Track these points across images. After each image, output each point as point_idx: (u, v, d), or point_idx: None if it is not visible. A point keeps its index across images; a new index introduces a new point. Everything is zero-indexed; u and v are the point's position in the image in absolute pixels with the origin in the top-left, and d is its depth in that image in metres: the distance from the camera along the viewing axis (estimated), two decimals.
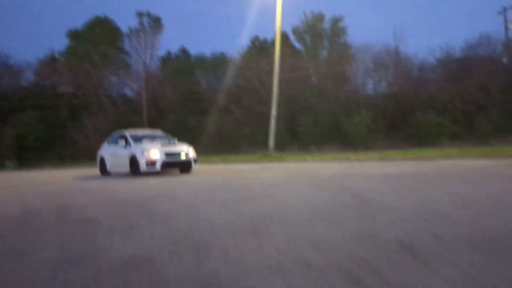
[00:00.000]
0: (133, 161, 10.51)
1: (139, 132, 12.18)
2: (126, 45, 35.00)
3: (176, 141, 11.49)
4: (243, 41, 42.40)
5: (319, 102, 23.87)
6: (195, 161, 10.88)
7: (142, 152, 10.37)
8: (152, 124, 27.48)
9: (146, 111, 26.95)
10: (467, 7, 55.67)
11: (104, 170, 12.03)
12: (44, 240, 3.12)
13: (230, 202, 4.65)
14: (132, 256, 2.48)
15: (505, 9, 24.98)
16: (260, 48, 35.31)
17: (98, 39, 32.14)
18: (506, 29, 24.35)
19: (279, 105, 23.46)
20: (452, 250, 2.28)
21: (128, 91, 32.30)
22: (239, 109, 25.90)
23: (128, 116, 26.98)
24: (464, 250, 2.27)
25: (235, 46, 57.61)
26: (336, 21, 34.78)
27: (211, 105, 26.18)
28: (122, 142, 11.13)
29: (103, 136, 25.87)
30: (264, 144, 20.15)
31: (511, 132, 17.26)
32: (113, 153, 11.64)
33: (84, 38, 32.73)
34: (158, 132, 12.69)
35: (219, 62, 30.06)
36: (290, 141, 22.16)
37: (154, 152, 10.32)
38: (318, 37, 34.24)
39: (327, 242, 2.61)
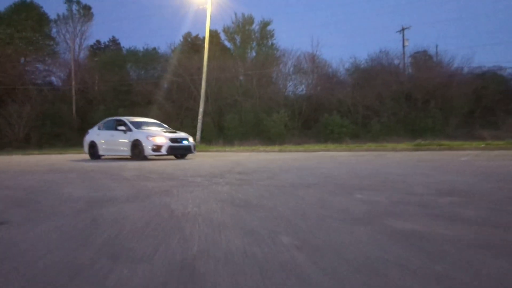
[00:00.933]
0: (136, 146, 11.06)
1: (136, 119, 12.65)
2: (54, 32, 34.47)
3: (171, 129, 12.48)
4: (176, 37, 43.57)
5: (244, 100, 26.34)
6: (194, 147, 11.73)
7: (147, 137, 10.90)
8: (82, 115, 27.92)
9: (75, 101, 27.29)
10: (375, 24, 62.93)
11: (94, 154, 12.52)
12: None
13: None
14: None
15: (403, 28, 29.54)
16: (191, 45, 36.95)
17: (23, 24, 31.39)
18: (403, 45, 28.89)
19: (208, 101, 25.51)
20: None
21: (55, 80, 32.03)
22: (169, 103, 27.45)
23: (56, 106, 27.11)
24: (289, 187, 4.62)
25: (168, 41, 58.25)
26: (264, 24, 37.53)
27: (141, 98, 27.37)
28: (122, 128, 11.65)
29: (29, 124, 25.91)
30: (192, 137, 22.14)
31: (397, 133, 21.23)
32: (108, 138, 12.08)
33: (8, 22, 31.71)
34: (152, 120, 13.40)
35: (151, 56, 31.14)
36: (217, 135, 24.34)
37: (160, 138, 10.93)
38: (247, 38, 36.76)
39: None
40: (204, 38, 36.01)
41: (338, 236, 1.86)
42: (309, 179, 4.47)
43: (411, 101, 23.29)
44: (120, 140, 11.57)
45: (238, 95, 26.73)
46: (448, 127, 22.16)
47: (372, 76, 24.73)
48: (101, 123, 13.07)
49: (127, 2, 67.31)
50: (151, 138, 10.85)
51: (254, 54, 36.14)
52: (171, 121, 26.75)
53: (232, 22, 37.20)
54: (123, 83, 28.80)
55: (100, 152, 12.37)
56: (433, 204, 2.65)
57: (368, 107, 23.06)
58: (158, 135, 10.99)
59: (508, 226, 1.99)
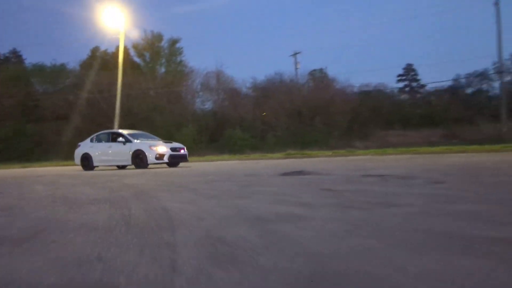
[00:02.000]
0: (138, 155, 12.07)
1: (131, 131, 13.67)
2: None
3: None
4: (84, 52, 43.55)
5: (155, 115, 28.29)
6: (187, 156, 13.14)
7: (150, 147, 12.00)
8: None
9: None
10: (270, 47, 70.38)
11: (87, 165, 13.22)
12: None
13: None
14: None
15: (295, 53, 34.20)
16: (100, 59, 37.55)
17: None
18: (296, 68, 33.50)
19: (119, 116, 26.91)
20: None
21: None
22: (79, 118, 28.18)
23: None
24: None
25: (76, 56, 57.28)
26: (173, 42, 39.65)
27: (50, 113, 27.68)
28: (121, 140, 12.61)
29: None
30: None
31: (289, 145, 25.12)
32: (105, 150, 12.96)
33: None
34: (143, 132, 14.57)
35: (59, 72, 31.35)
36: None
37: (162, 147, 12.10)
38: (156, 55, 38.58)
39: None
40: (113, 53, 37.09)
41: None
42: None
43: (301, 117, 27.56)
44: (120, 151, 12.49)
45: (149, 111, 28.58)
46: (331, 139, 26.77)
47: (269, 95, 28.59)
48: (93, 136, 13.93)
49: (30, 14, 64.07)
50: (154, 148, 11.96)
51: (163, 70, 38.08)
52: (83, 137, 27.54)
53: (142, 39, 38.72)
54: (29, 98, 28.71)
55: (95, 163, 13.14)
56: (237, 178, 5.54)
57: (265, 123, 26.75)
58: (160, 145, 12.15)
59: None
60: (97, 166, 13.43)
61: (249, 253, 1.52)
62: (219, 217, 2.36)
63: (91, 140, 13.77)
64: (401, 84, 46.93)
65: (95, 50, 38.85)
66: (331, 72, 46.75)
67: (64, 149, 26.46)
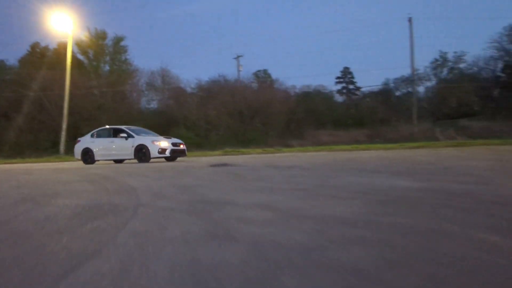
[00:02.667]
0: (141, 150, 12.75)
1: (132, 127, 14.41)
2: None
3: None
4: (23, 47, 42.31)
5: (99, 114, 28.93)
6: (186, 151, 13.98)
7: (153, 142, 12.73)
8: None
9: None
10: (216, 49, 72.55)
11: (87, 160, 13.87)
12: None
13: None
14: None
15: (238, 56, 36.23)
16: (40, 55, 37.01)
17: None
18: (238, 70, 35.56)
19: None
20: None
21: None
22: (20, 116, 28.07)
23: None
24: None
25: (17, 53, 54.96)
26: (117, 40, 40.00)
27: None
28: (123, 135, 13.29)
29: None
30: (48, 150, 24.03)
31: (231, 143, 27.08)
32: (106, 145, 13.61)
33: None
34: (143, 128, 15.40)
35: None
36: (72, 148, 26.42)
37: (164, 142, 12.88)
38: (101, 52, 38.75)
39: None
40: (54, 49, 36.77)
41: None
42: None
43: (242, 117, 29.65)
44: (122, 146, 13.18)
45: (93, 109, 29.14)
46: (269, 138, 29.12)
47: (213, 95, 30.37)
48: (94, 132, 14.51)
49: None
50: (156, 143, 12.71)
51: (107, 68, 38.36)
52: (25, 135, 27.54)
53: (85, 36, 38.68)
54: None
55: (96, 158, 13.81)
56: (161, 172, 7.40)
57: (209, 122, 28.52)
58: (162, 140, 12.97)
59: None
60: (98, 161, 14.07)
61: (174, 196, 3.46)
62: (161, 186, 4.26)
63: (92, 136, 14.37)
64: (339, 86, 50.95)
65: (35, 46, 38.24)
66: (275, 74, 49.56)
67: (5, 148, 26.35)
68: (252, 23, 75.77)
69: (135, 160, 13.16)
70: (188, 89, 32.17)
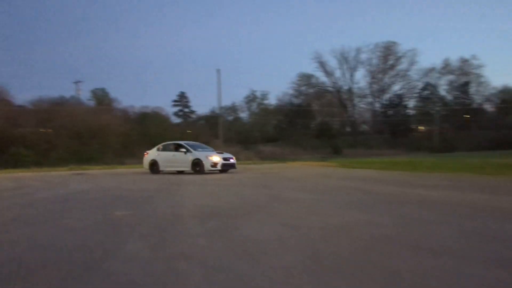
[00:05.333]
0: (197, 163, 14.58)
1: (190, 143, 16.47)
2: None
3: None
4: None
5: None
6: (235, 164, 15.77)
7: (207, 157, 14.58)
8: None
9: None
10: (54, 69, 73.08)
11: (154, 170, 15.82)
12: None
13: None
14: None
15: (77, 81, 40.08)
16: None
17: None
18: (78, 94, 39.39)
19: None
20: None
21: None
22: None
23: None
24: None
25: None
26: None
27: None
28: (182, 150, 15.25)
29: None
30: None
31: (71, 161, 31.04)
32: (170, 158, 15.53)
33: None
34: (199, 143, 17.55)
35: None
36: None
37: (216, 157, 14.74)
38: None
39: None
40: None
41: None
42: None
43: (81, 138, 33.82)
44: (182, 159, 15.15)
45: None
46: (106, 157, 33.96)
47: (52, 117, 33.67)
48: (160, 146, 16.72)
49: None
50: (210, 158, 14.61)
51: None
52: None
53: None
54: None
55: (161, 168, 15.79)
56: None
57: (48, 141, 31.85)
58: (214, 155, 14.89)
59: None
60: (162, 171, 15.98)
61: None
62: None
63: (158, 149, 16.61)
64: (176, 109, 58.01)
65: None
66: (114, 93, 53.59)
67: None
68: (91, 42, 77.37)
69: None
70: (27, 108, 34.50)
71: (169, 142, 17.32)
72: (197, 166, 14.61)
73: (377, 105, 57.83)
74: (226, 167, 15.06)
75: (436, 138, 47.01)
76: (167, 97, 70.33)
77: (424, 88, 55.61)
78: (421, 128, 55.02)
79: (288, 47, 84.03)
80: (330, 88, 57.93)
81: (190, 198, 6.74)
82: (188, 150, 15.24)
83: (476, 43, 79.51)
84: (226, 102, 60.16)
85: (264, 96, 54.39)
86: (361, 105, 59.51)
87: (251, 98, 54.46)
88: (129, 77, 75.95)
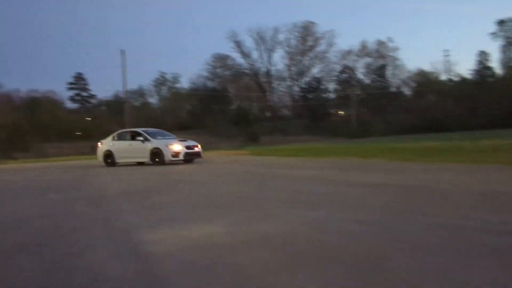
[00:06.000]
0: (156, 153, 14.25)
1: (149, 130, 15.98)
2: None
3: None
4: None
5: None
6: (201, 153, 15.26)
7: (167, 146, 14.23)
8: None
9: None
10: None
11: (109, 162, 15.38)
12: None
13: None
14: None
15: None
16: None
17: None
18: None
19: None
20: None
21: None
22: None
23: None
24: None
25: None
26: None
27: None
28: (140, 138, 14.89)
29: None
30: None
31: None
32: (125, 148, 15.16)
33: None
34: (160, 130, 16.90)
35: None
36: None
37: (177, 145, 14.36)
38: None
39: None
40: None
41: None
42: None
43: None
44: (140, 149, 14.78)
45: None
46: None
47: None
48: (115, 135, 16.16)
49: None
50: (170, 146, 14.32)
51: None
52: None
53: None
54: None
55: (117, 160, 15.37)
56: None
57: None
58: (175, 143, 14.57)
59: None
60: (119, 163, 15.50)
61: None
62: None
63: (113, 139, 16.03)
64: (72, 93, 56.12)
65: None
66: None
67: None
68: None
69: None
70: None
71: (125, 130, 17.48)
72: (157, 156, 14.43)
73: (296, 88, 62.43)
74: (190, 157, 14.97)
75: (354, 123, 52.27)
76: (62, 80, 67.57)
77: (342, 71, 61.27)
78: (341, 112, 60.43)
79: (203, 26, 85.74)
80: (247, 71, 61.17)
81: None
82: (146, 139, 14.99)
83: (392, 25, 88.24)
84: (133, 86, 60.14)
85: (176, 79, 55.93)
86: (281, 89, 63.63)
87: (160, 81, 55.60)
88: (12, 55, 71.75)
